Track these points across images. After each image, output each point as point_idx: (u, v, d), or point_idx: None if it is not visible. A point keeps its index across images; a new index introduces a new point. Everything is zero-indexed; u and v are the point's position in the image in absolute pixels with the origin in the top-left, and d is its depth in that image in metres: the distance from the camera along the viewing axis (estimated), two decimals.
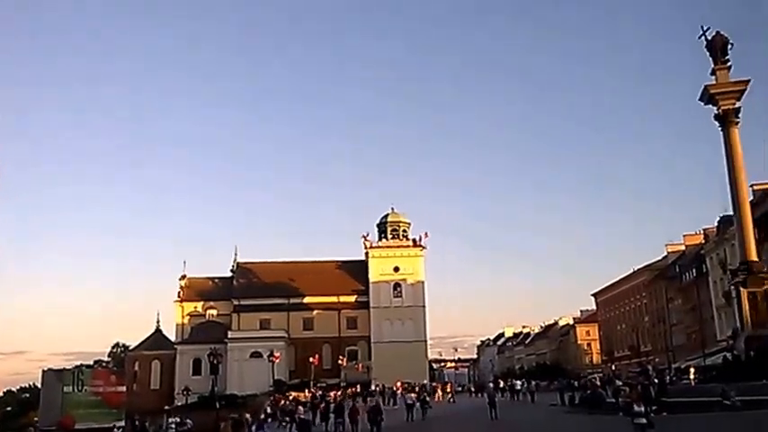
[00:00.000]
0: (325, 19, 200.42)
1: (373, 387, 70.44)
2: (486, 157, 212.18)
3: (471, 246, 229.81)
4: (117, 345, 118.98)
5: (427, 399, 43.59)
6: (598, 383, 49.24)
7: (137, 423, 49.03)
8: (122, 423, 48.12)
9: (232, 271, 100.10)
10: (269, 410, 49.05)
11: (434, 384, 66.66)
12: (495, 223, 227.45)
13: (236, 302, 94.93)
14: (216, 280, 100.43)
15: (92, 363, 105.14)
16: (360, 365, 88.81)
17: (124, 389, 52.95)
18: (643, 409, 17.83)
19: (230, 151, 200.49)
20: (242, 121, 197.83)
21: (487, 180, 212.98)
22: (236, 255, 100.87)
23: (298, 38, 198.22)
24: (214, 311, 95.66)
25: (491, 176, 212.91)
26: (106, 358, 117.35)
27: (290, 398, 57.92)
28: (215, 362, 49.21)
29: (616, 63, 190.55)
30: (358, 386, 70.09)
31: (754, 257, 32.79)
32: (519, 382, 60.71)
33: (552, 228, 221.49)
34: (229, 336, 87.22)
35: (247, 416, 38.63)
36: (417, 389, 54.38)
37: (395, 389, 60.98)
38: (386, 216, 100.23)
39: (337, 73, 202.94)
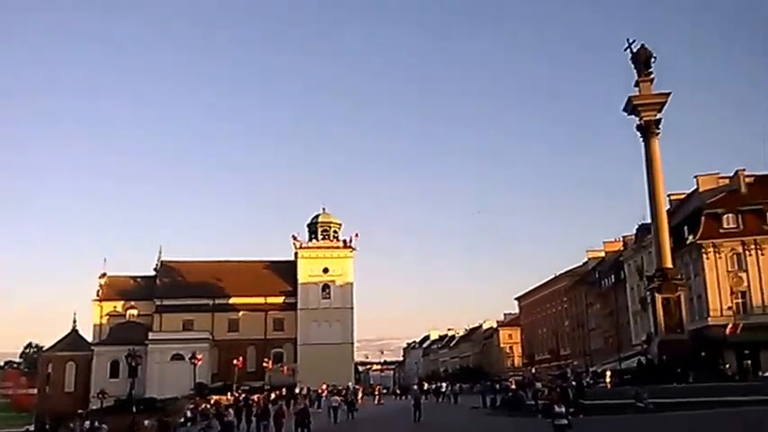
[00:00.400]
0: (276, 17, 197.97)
1: (298, 390, 69.72)
2: (416, 162, 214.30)
3: (400, 248, 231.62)
4: (30, 345, 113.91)
5: (354, 401, 43.50)
6: (513, 386, 50.38)
7: (47, 427, 47.02)
8: (32, 427, 46.06)
9: (155, 270, 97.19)
10: (189, 414, 47.79)
11: (356, 387, 66.70)
12: (425, 226, 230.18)
13: (158, 302, 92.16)
14: (138, 279, 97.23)
15: (1, 364, 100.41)
16: (285, 368, 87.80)
17: (35, 391, 50.76)
18: (563, 410, 18.12)
19: (156, 147, 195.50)
20: (170, 118, 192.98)
21: (417, 184, 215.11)
22: (160, 253, 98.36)
23: (238, 35, 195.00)
24: (135, 311, 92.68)
25: (421, 180, 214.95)
26: (17, 359, 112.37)
27: (212, 401, 56.60)
28: (133, 364, 47.75)
29: (542, 72, 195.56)
30: (284, 389, 69.22)
31: (669, 264, 34.16)
32: (444, 385, 61.51)
33: (480, 232, 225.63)
34: (150, 337, 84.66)
35: (146, 422, 37.77)
36: (344, 392, 54.14)
37: (320, 392, 60.56)
38: (316, 216, 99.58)
39: (270, 71, 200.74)
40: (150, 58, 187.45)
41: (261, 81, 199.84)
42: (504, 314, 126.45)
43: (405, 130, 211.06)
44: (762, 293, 50.21)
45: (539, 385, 44.51)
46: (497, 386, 57.42)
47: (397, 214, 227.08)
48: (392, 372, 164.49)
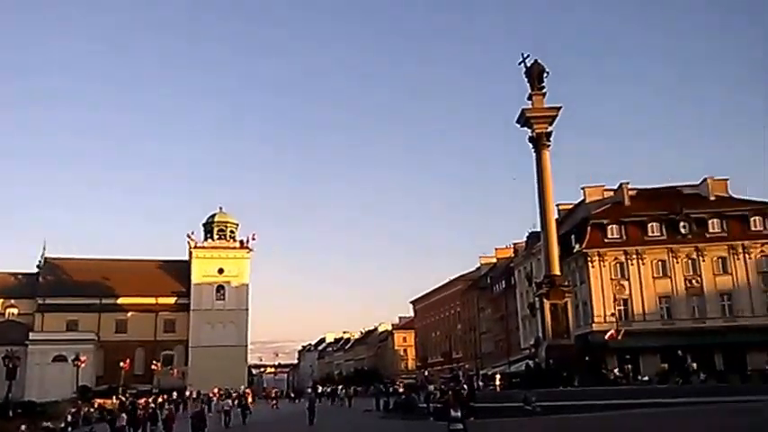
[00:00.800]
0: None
1: (188, 393, 68.05)
2: (315, 164, 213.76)
3: (297, 250, 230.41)
4: None
5: (248, 404, 42.87)
6: (401, 390, 51.16)
7: None
8: None
9: (38, 267, 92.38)
10: (70, 419, 45.59)
11: (246, 390, 66.27)
12: (324, 229, 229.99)
13: (40, 301, 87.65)
14: (19, 276, 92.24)
15: None
16: (175, 371, 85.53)
17: None
18: (460, 414, 18.24)
19: (44, 139, 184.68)
20: (61, 110, 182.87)
21: (313, 186, 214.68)
22: (44, 249, 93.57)
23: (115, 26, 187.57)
24: (15, 310, 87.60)
25: (317, 183, 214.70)
26: None
27: (96, 405, 54.28)
28: (11, 365, 45.25)
29: (444, 78, 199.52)
30: (174, 393, 67.29)
31: (557, 272, 35.73)
32: (339, 388, 61.81)
33: (379, 236, 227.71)
34: (30, 337, 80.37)
35: (23, 427, 35.98)
36: (234, 395, 53.25)
37: (211, 395, 59.34)
38: (213, 216, 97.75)
39: (170, 64, 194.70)
40: (42, 48, 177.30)
41: (161, 75, 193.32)
42: (399, 317, 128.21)
43: (305, 128, 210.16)
44: (642, 301, 53.19)
45: (431, 388, 45.47)
46: (390, 389, 58.05)
47: (295, 216, 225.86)
48: (286, 375, 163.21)
